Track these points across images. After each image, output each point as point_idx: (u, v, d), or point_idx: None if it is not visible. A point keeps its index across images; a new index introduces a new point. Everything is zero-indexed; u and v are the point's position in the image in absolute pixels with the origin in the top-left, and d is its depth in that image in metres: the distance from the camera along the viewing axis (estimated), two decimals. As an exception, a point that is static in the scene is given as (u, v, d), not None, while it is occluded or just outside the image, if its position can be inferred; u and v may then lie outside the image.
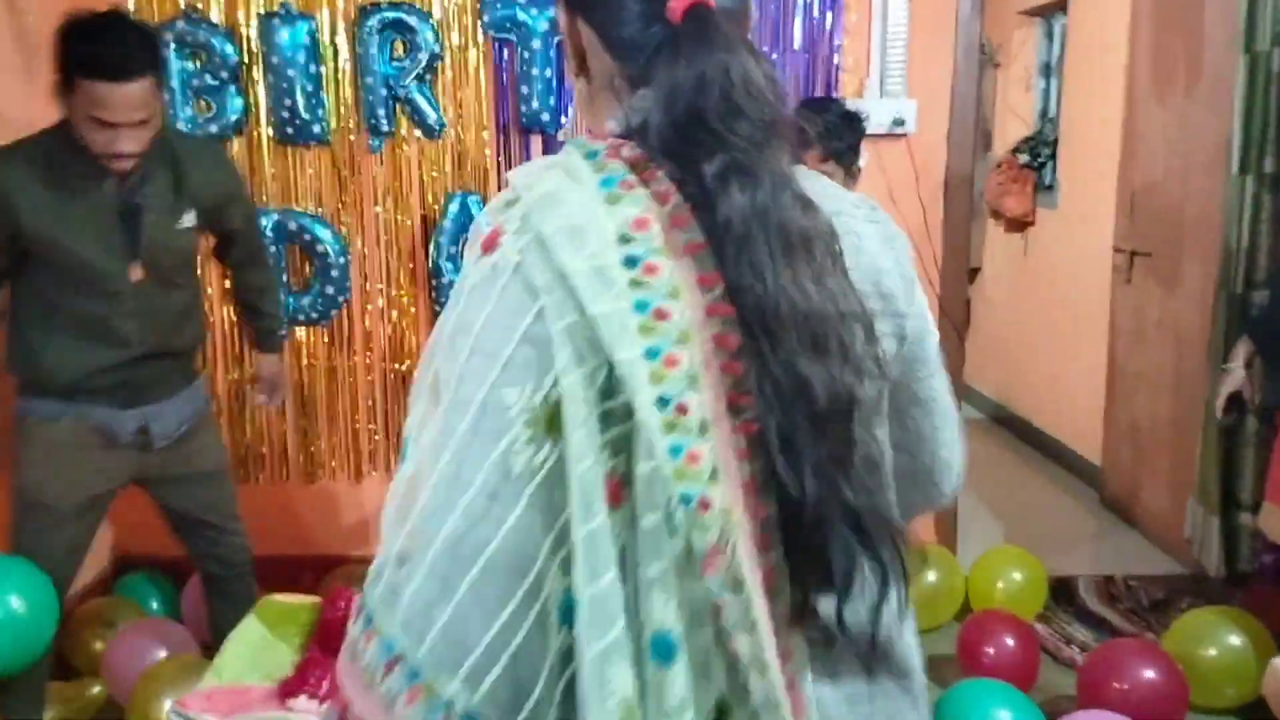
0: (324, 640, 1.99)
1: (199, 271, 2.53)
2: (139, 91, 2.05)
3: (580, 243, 0.78)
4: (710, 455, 0.76)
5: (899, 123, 3.16)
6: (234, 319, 3.24)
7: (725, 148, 0.80)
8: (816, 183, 0.90)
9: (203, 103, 3.14)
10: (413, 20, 3.06)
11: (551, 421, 0.76)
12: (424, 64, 3.09)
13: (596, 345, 0.75)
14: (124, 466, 2.39)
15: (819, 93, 3.17)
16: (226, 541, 2.59)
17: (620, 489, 0.76)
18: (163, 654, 2.69)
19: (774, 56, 3.14)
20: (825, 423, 0.78)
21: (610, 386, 0.76)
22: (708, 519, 0.74)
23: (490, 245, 0.80)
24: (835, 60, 3.15)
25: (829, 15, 3.12)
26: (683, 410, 0.75)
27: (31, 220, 2.14)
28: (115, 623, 2.95)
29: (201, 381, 2.54)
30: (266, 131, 3.16)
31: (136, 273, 2.23)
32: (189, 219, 2.31)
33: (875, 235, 0.92)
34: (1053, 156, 5.04)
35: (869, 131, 3.17)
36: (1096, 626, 3.30)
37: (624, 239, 0.79)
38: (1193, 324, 3.62)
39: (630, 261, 0.78)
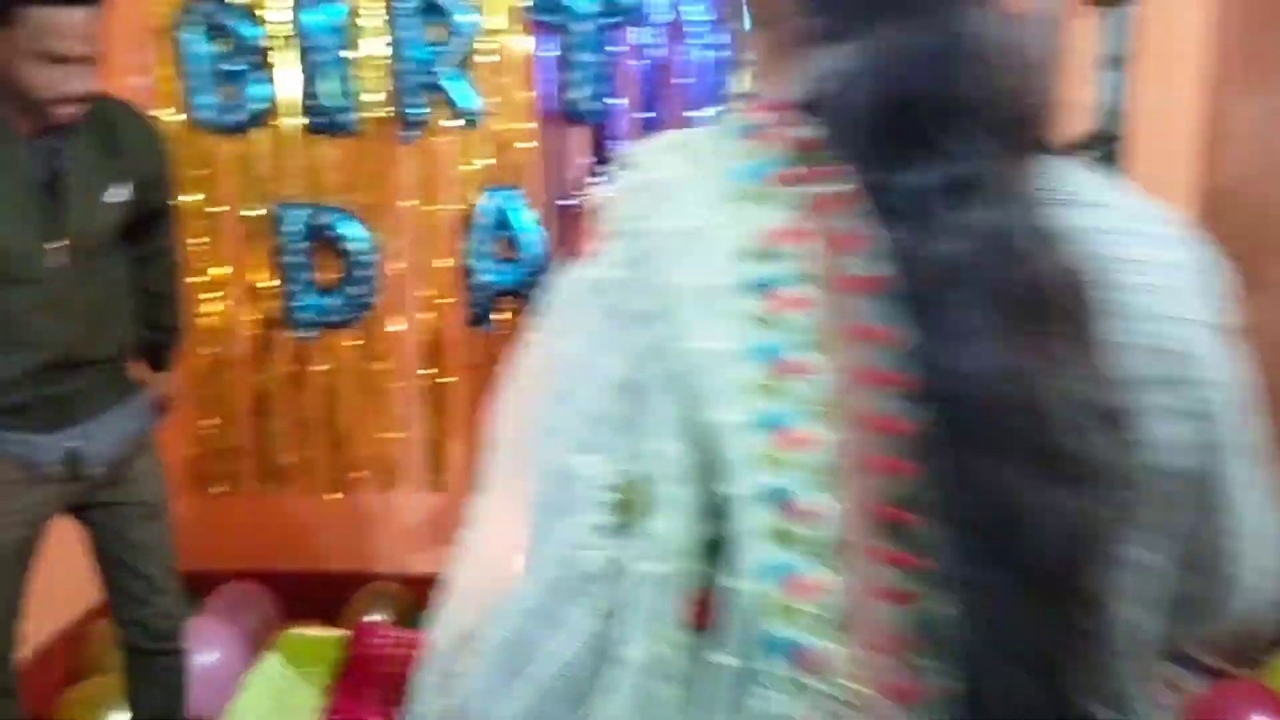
0: (352, 681, 1.79)
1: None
2: (91, 18, 1.77)
3: (689, 254, 0.56)
4: (836, 591, 0.52)
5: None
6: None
7: (951, 148, 0.56)
8: (1086, 183, 0.63)
9: (226, 89, 2.94)
10: (451, 2, 2.85)
11: (636, 504, 0.56)
12: (463, 49, 2.88)
13: (701, 405, 0.54)
14: (50, 502, 2.02)
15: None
16: (155, 602, 2.18)
17: (707, 609, 0.55)
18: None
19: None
20: (1047, 586, 0.51)
21: (718, 466, 0.55)
22: (813, 685, 0.52)
23: (585, 251, 0.62)
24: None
25: None
26: (804, 515, 0.53)
27: None
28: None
29: (145, 396, 2.19)
30: (293, 121, 2.96)
31: (57, 256, 1.89)
32: (121, 193, 1.98)
33: (1170, 264, 0.65)
34: (1111, 154, 4.77)
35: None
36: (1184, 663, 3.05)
37: (753, 254, 0.56)
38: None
39: (756, 286, 0.56)
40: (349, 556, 3.20)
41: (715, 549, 0.54)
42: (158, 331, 2.26)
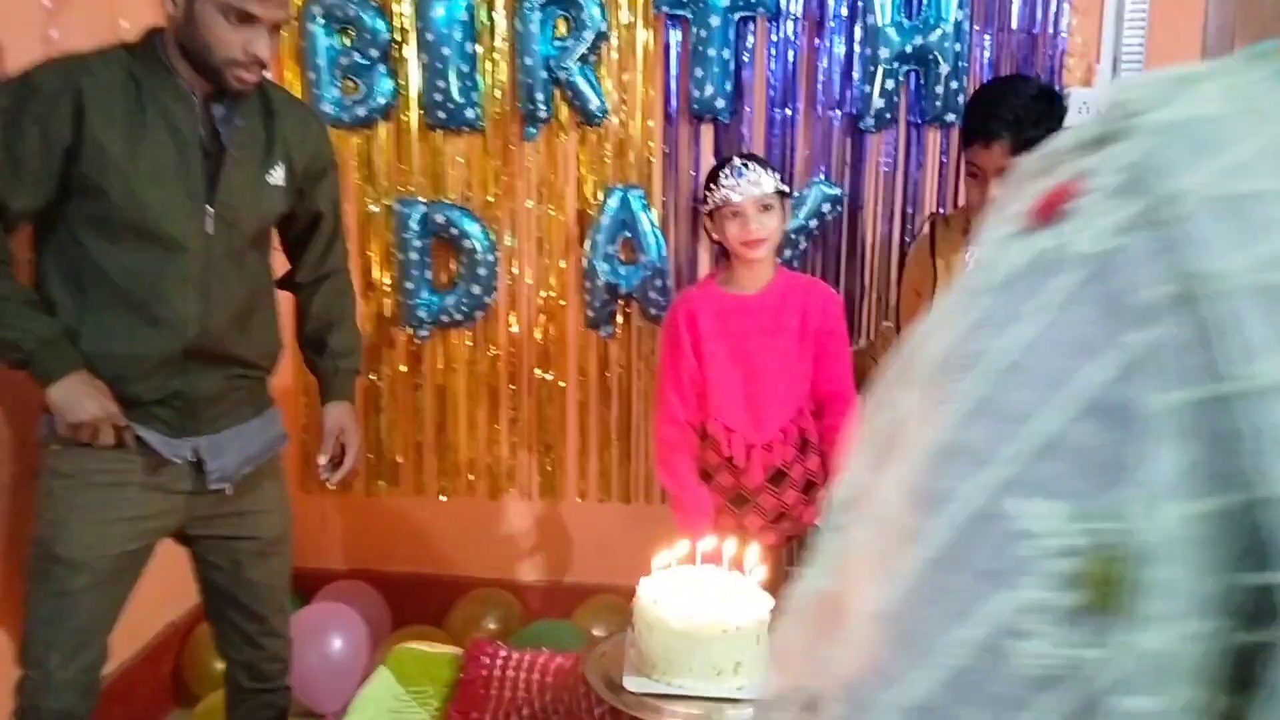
0: (463, 705, 1.69)
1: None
2: None
3: (1247, 229, 0.39)
4: None
5: (1133, 115, 2.70)
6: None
7: None
8: None
9: (349, 83, 2.90)
10: (578, -6, 2.76)
11: (1111, 585, 0.37)
12: (588, 44, 2.79)
13: (1249, 457, 0.37)
14: (168, 514, 1.90)
15: (1040, 79, 2.73)
16: (266, 645, 2.09)
17: None
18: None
19: (986, 36, 2.73)
20: None
21: (1262, 547, 0.37)
22: None
23: (1050, 210, 0.44)
24: (1061, 41, 2.72)
25: (1054, -12, 2.69)
26: None
27: (101, 135, 1.71)
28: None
29: (278, 415, 2.08)
30: (416, 115, 2.90)
31: (209, 226, 1.81)
32: (279, 175, 1.91)
33: None
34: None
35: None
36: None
37: None
38: None
39: None
40: (456, 561, 3.14)
41: (1245, 671, 0.36)
42: (334, 358, 2.14)
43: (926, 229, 2.30)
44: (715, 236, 2.24)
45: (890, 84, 2.74)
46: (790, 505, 2.24)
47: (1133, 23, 2.69)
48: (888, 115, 2.77)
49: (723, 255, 2.30)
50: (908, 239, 2.83)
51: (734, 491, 2.25)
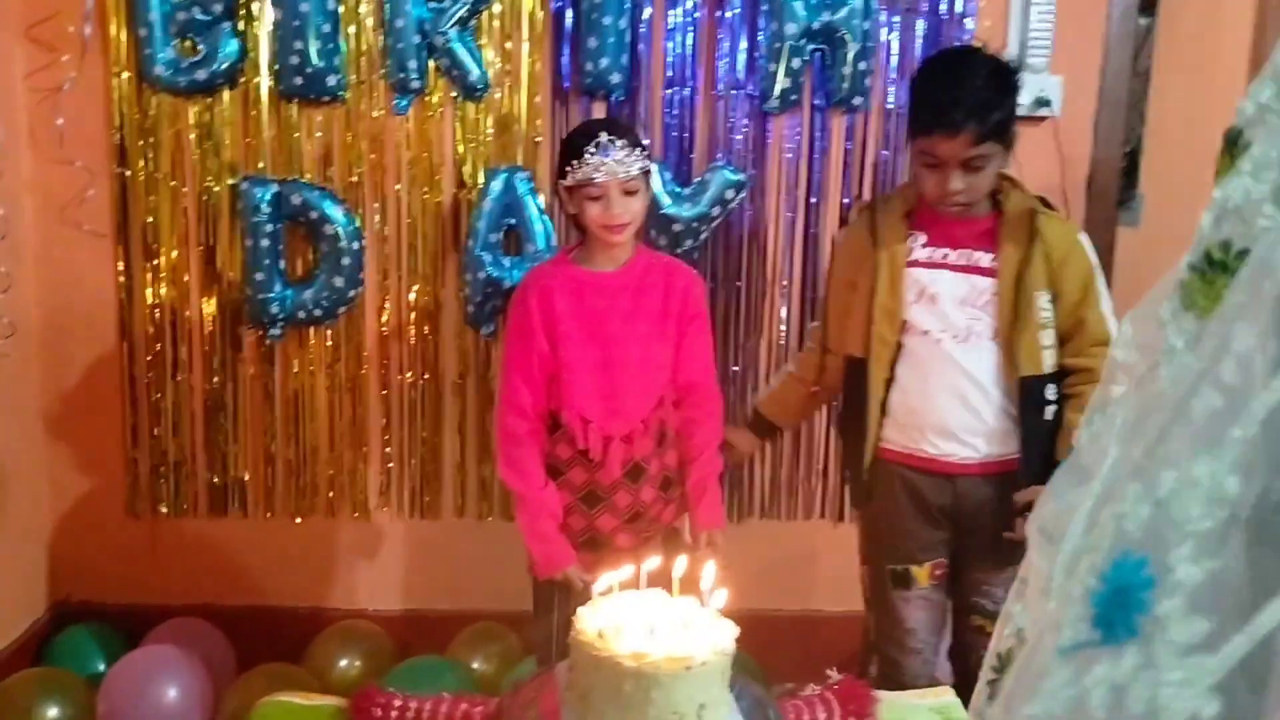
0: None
1: None
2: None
3: None
4: None
5: (1042, 103, 2.60)
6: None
7: None
8: None
9: (188, 43, 2.51)
10: (457, -50, 2.47)
11: None
12: (468, 8, 2.50)
13: None
14: None
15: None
16: None
17: None
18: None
19: (892, 18, 2.58)
20: None
21: None
22: None
23: None
24: (968, 24, 2.60)
25: (961, -30, 2.57)
26: None
27: None
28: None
29: None
30: (267, 82, 2.54)
31: None
32: None
33: None
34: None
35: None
36: None
37: None
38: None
39: None
40: (313, 591, 2.77)
41: None
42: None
43: (859, 217, 2.10)
44: (571, 211, 2.00)
45: (796, 63, 2.55)
46: (647, 503, 2.03)
47: (1040, 5, 2.59)
48: (792, 97, 2.59)
49: (576, 230, 2.06)
50: (811, 229, 2.66)
51: (586, 489, 2.01)
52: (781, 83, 2.56)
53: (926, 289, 1.94)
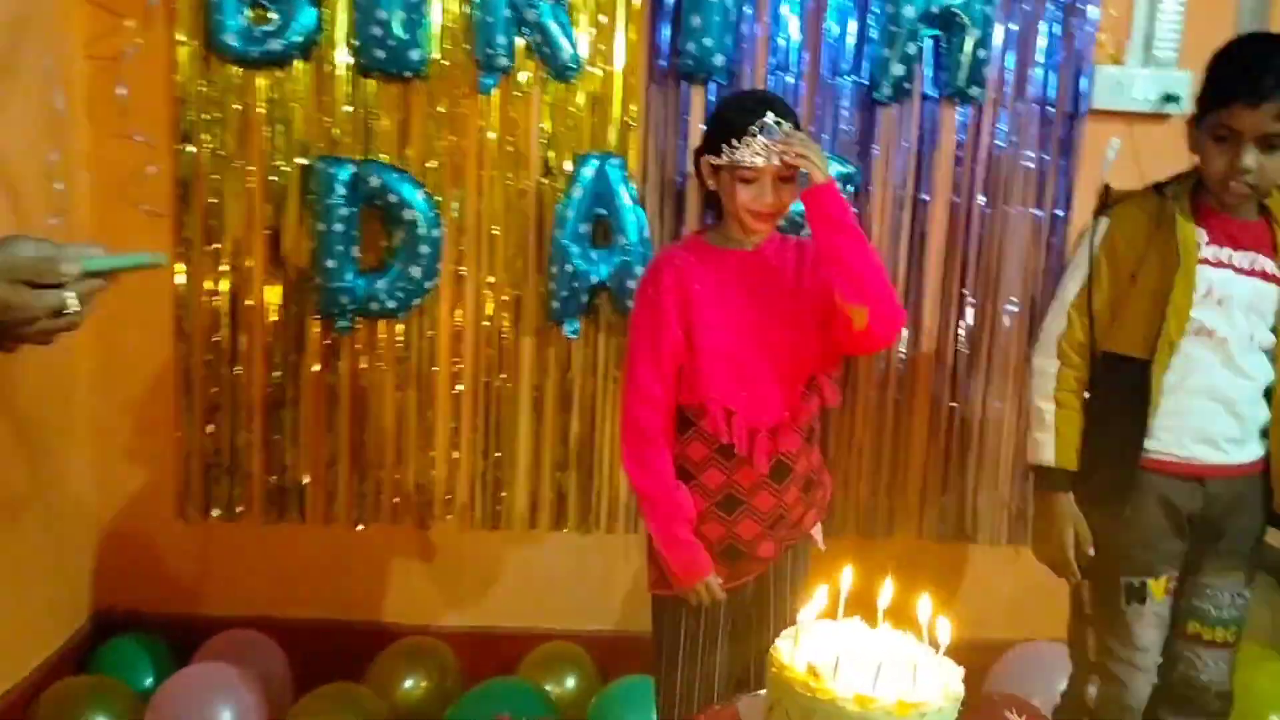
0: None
1: None
2: None
3: None
4: None
5: (1171, 99, 2.44)
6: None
7: None
8: None
9: (260, 10, 2.34)
10: (554, -80, 2.30)
11: None
12: (562, -20, 2.33)
13: None
14: None
15: (1068, 56, 2.45)
16: None
17: None
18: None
19: (1015, 4, 2.41)
20: None
21: None
22: None
23: None
24: (1090, 13, 2.43)
25: (1085, -43, 2.41)
26: None
27: None
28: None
29: None
30: (344, 56, 2.36)
31: None
32: None
33: None
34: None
35: (1122, 108, 2.48)
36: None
37: None
38: None
39: None
40: (376, 605, 2.58)
41: None
42: None
43: (1136, 200, 1.87)
44: (711, 188, 1.81)
45: (911, 49, 2.39)
46: (789, 506, 1.83)
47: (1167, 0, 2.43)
48: (905, 85, 2.42)
49: (709, 208, 1.86)
50: (919, 228, 2.49)
51: (723, 493, 1.81)
52: (895, 70, 2.39)
53: (1215, 289, 1.79)
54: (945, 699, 1.09)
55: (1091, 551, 1.86)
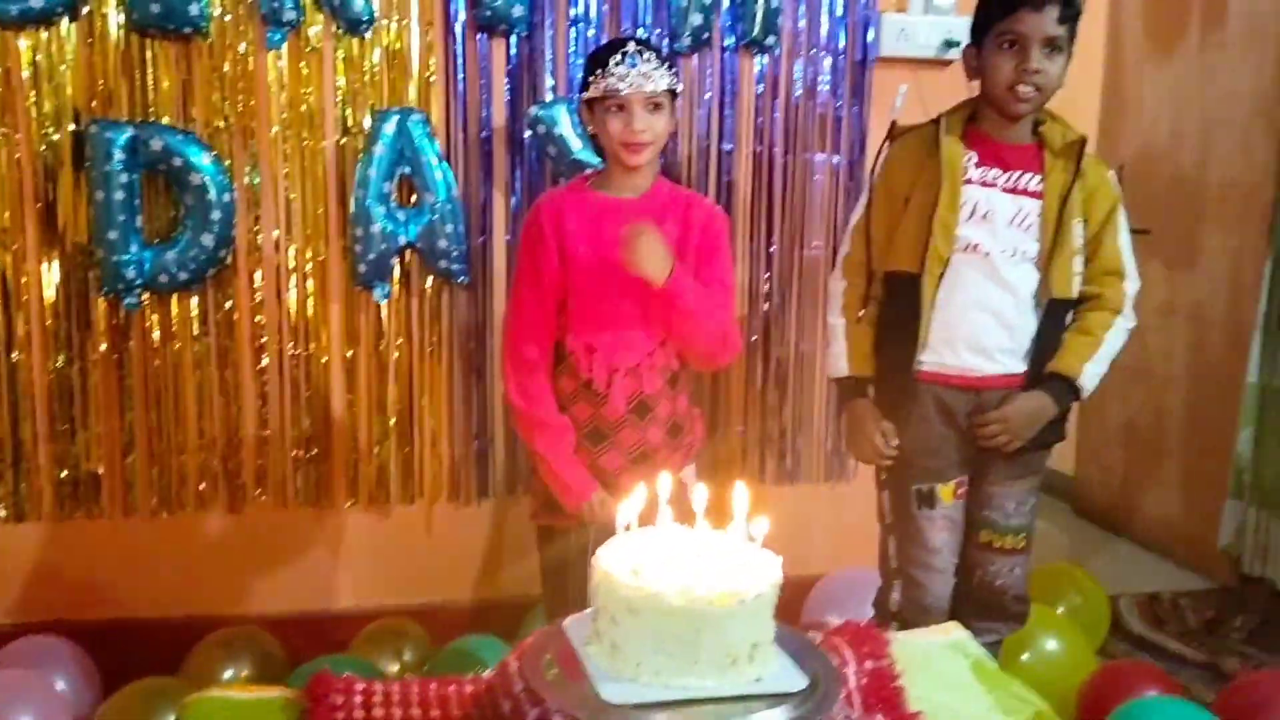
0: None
1: None
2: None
3: None
4: None
5: (951, 44, 2.56)
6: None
7: None
8: None
9: (16, -35, 2.16)
10: None
11: None
12: (350, -72, 2.25)
13: None
14: None
15: (854, 6, 2.53)
16: None
17: None
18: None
19: (800, -45, 2.49)
20: None
21: None
22: None
23: None
24: (875, -26, 2.53)
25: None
26: None
27: None
28: None
29: None
30: (116, 15, 2.21)
31: None
32: None
33: None
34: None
35: (907, 55, 2.59)
36: (1158, 655, 2.78)
37: None
38: (1216, 304, 3.22)
39: None
40: (190, 598, 2.43)
41: None
42: None
43: (919, 130, 1.97)
44: (591, 130, 1.90)
45: (707, 0, 2.42)
46: (655, 445, 1.90)
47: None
48: (704, 36, 2.45)
49: (598, 154, 1.95)
50: (725, 177, 2.53)
51: (590, 425, 1.89)
52: (693, 20, 2.42)
53: (979, 206, 1.89)
54: (764, 586, 1.10)
55: (896, 441, 1.94)
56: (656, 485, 1.21)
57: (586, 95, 1.84)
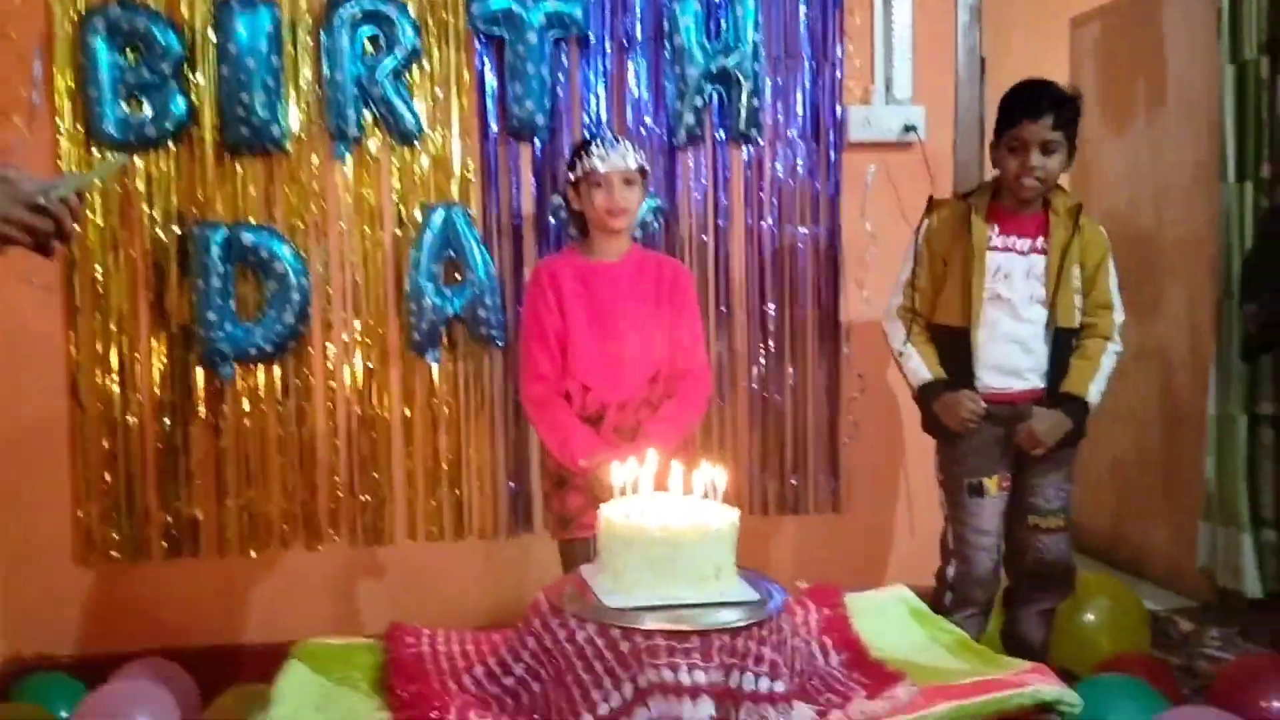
0: (404, 680, 1.51)
1: None
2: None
3: None
4: None
5: (910, 129, 3.00)
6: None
7: None
8: None
9: (135, 101, 2.67)
10: (389, 11, 2.72)
11: None
12: (401, 60, 2.74)
13: None
14: None
15: (825, 100, 2.98)
16: None
17: None
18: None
19: (778, 61, 2.95)
20: None
21: None
22: None
23: None
24: (840, 66, 2.98)
25: (831, 20, 2.97)
26: None
27: None
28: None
29: None
30: (211, 135, 2.71)
31: None
32: None
33: None
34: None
35: (874, 139, 3.01)
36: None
37: None
38: (1179, 347, 3.56)
39: None
40: (272, 624, 2.82)
41: None
42: None
43: (952, 205, 2.50)
44: (576, 206, 2.34)
45: (699, 102, 2.88)
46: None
47: (900, 51, 3.00)
48: (697, 132, 2.90)
49: (580, 229, 2.39)
50: (721, 249, 2.95)
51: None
52: (687, 119, 2.88)
53: (1002, 267, 2.40)
54: (723, 523, 1.49)
55: (982, 405, 2.39)
56: (644, 458, 1.60)
57: (574, 176, 2.28)
